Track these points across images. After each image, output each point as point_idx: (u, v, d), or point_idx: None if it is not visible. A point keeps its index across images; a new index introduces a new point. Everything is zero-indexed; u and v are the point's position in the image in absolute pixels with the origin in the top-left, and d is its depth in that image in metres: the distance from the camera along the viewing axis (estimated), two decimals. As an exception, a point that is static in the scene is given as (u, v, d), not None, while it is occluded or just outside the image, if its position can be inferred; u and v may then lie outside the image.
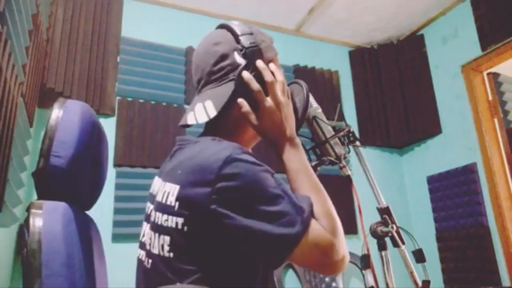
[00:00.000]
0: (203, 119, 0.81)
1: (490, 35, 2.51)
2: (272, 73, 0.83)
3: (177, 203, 0.73)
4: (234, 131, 0.87)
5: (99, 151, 0.89)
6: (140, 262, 0.83)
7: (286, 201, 0.71)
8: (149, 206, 0.85)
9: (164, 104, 2.45)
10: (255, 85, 0.81)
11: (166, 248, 0.74)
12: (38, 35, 1.64)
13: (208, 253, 0.73)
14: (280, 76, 0.84)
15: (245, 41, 0.83)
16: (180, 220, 0.72)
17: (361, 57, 3.20)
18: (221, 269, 0.74)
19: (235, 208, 0.69)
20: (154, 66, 2.48)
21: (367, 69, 3.16)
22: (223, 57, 0.84)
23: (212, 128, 0.88)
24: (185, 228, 0.72)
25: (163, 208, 0.76)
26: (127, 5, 2.51)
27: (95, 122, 0.86)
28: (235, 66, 0.83)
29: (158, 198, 0.78)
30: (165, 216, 0.75)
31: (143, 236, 0.84)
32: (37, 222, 0.69)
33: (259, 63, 0.82)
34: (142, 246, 0.84)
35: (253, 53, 0.82)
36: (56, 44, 2.09)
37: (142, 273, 0.82)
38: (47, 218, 0.71)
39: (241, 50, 0.83)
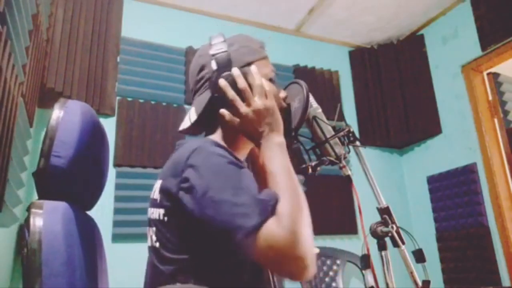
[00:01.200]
0: (186, 125, 0.92)
1: (490, 35, 2.51)
2: (247, 77, 0.85)
3: (159, 196, 0.80)
4: (227, 134, 0.91)
5: (99, 151, 0.89)
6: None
7: (244, 193, 0.69)
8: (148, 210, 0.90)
9: (164, 104, 2.45)
10: (230, 93, 0.84)
11: (154, 238, 0.81)
12: (38, 35, 1.64)
13: (188, 242, 0.76)
14: (257, 79, 0.85)
15: (214, 49, 0.88)
16: (162, 211, 0.79)
17: (361, 57, 3.20)
18: (203, 258, 0.76)
19: (193, 195, 0.71)
20: (154, 66, 2.48)
21: (367, 69, 3.16)
22: (202, 67, 0.92)
23: (208, 133, 0.94)
24: (165, 218, 0.78)
25: (152, 203, 0.84)
26: (127, 5, 2.51)
27: (96, 122, 0.86)
28: (211, 74, 0.89)
29: (151, 196, 0.86)
30: (152, 210, 0.83)
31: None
32: (37, 222, 0.70)
33: (234, 70, 0.85)
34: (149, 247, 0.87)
35: (222, 60, 0.86)
36: (56, 44, 2.09)
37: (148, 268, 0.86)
38: (48, 218, 0.71)
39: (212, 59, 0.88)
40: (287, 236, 0.65)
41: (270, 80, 0.93)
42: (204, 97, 0.90)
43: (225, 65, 0.86)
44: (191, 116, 0.91)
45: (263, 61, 0.93)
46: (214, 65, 0.87)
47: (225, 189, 0.70)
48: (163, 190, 0.79)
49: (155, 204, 0.82)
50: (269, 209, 0.67)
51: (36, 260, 0.66)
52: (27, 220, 0.71)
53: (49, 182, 0.77)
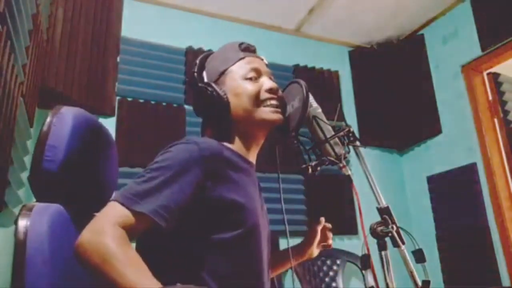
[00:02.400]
0: None
1: (490, 35, 2.52)
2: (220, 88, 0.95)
3: None
4: (226, 136, 0.97)
5: (97, 155, 0.90)
6: None
7: (150, 184, 0.76)
8: None
9: (164, 104, 2.45)
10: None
11: None
12: (38, 35, 1.64)
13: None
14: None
15: (195, 66, 1.02)
16: None
17: (361, 57, 3.20)
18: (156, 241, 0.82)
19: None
20: (154, 66, 2.48)
21: (367, 69, 3.16)
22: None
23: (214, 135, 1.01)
24: None
25: None
26: (127, 5, 2.50)
27: (91, 127, 0.87)
28: None
29: None
30: None
31: None
32: (24, 223, 0.72)
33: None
34: None
35: (192, 79, 1.00)
36: (56, 44, 2.09)
37: None
38: (35, 219, 0.73)
39: None
40: (94, 238, 0.67)
41: (250, 78, 0.96)
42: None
43: (194, 84, 0.98)
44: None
45: (238, 63, 0.97)
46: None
47: (150, 173, 0.78)
48: None
49: None
50: (126, 203, 0.72)
51: (21, 260, 0.68)
52: (15, 222, 0.73)
53: (42, 186, 0.80)
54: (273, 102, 0.95)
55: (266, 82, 0.96)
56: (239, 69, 0.96)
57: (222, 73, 0.97)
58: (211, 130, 0.99)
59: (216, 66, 0.98)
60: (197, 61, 1.01)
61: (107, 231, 0.68)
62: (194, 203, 0.79)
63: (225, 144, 0.94)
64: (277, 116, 0.95)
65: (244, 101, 0.94)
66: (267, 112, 0.94)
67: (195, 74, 0.99)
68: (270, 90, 0.95)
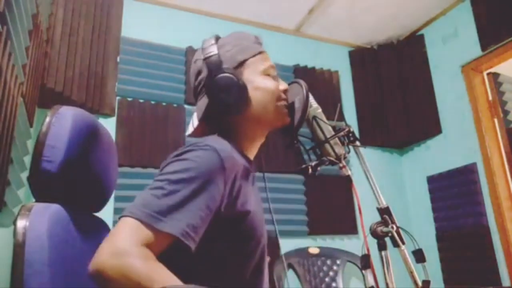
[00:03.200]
0: (190, 130, 0.94)
1: (490, 35, 2.52)
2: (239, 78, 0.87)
3: None
4: (227, 133, 0.89)
5: (97, 154, 0.90)
6: None
7: (170, 199, 0.67)
8: None
9: (164, 104, 2.45)
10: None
11: None
12: (38, 35, 1.64)
13: None
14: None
15: (204, 53, 0.89)
16: None
17: (361, 57, 3.20)
18: (206, 255, 0.76)
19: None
20: (154, 66, 2.48)
21: (367, 69, 3.16)
22: (199, 72, 0.92)
23: (211, 133, 0.92)
24: None
25: None
26: (127, 5, 2.51)
27: (90, 127, 0.87)
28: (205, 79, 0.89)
29: None
30: None
31: None
32: (23, 223, 0.71)
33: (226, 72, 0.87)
34: None
35: (212, 63, 0.87)
36: (56, 44, 2.09)
37: None
38: (33, 219, 0.72)
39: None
40: (119, 261, 0.59)
41: (269, 75, 0.92)
42: (203, 102, 0.90)
43: (215, 68, 0.86)
44: (194, 122, 0.93)
45: (258, 57, 0.92)
46: (205, 70, 0.88)
47: (170, 185, 0.69)
48: None
49: None
50: (149, 221, 0.64)
51: (19, 260, 0.68)
52: (14, 222, 0.73)
53: (42, 186, 0.79)
54: (285, 103, 0.94)
55: (282, 83, 0.95)
56: (260, 64, 0.92)
57: (242, 63, 0.90)
58: (216, 124, 0.91)
59: (233, 54, 0.90)
60: (210, 43, 0.91)
61: (132, 252, 0.60)
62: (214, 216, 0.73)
63: (231, 143, 0.86)
64: (288, 119, 0.94)
65: (264, 97, 0.90)
66: (282, 113, 0.93)
67: (215, 56, 0.87)
68: (284, 92, 0.95)
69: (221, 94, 0.86)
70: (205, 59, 0.88)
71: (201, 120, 0.90)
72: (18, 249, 0.69)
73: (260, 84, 0.90)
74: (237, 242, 0.79)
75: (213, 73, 0.86)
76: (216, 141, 0.80)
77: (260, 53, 0.94)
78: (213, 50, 0.88)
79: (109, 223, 2.19)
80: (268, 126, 0.94)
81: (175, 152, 0.78)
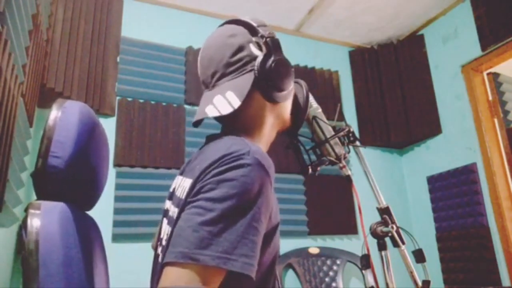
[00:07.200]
0: (227, 110, 0.77)
1: (490, 35, 2.51)
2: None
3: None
4: (251, 127, 0.84)
5: (98, 151, 0.89)
6: (155, 257, 0.84)
7: (228, 228, 0.61)
8: (167, 203, 0.86)
9: (164, 104, 2.45)
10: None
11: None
12: (38, 35, 1.64)
13: None
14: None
15: (263, 31, 0.83)
16: None
17: (361, 57, 3.20)
18: None
19: (203, 202, 0.65)
20: (154, 66, 2.48)
21: (367, 69, 3.16)
22: (240, 48, 0.82)
23: (230, 125, 0.86)
24: None
25: (177, 202, 0.75)
26: (127, 5, 2.51)
27: (94, 123, 0.86)
28: (252, 57, 0.82)
29: (177, 193, 0.78)
30: (176, 209, 0.73)
31: (160, 232, 0.85)
32: (34, 223, 0.69)
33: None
34: (160, 242, 0.84)
35: (272, 43, 0.81)
36: (56, 44, 2.09)
37: (155, 267, 0.83)
38: (45, 218, 0.70)
39: (257, 42, 0.83)
40: None
41: None
42: (245, 80, 0.80)
43: (280, 51, 0.82)
44: (231, 101, 0.77)
45: None
46: (257, 50, 0.82)
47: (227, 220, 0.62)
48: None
49: (179, 204, 0.73)
50: (218, 263, 0.59)
51: (33, 261, 0.66)
52: (24, 221, 0.71)
53: (48, 183, 0.76)
54: None
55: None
56: None
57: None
58: (237, 117, 0.82)
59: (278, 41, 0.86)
60: (263, 23, 0.86)
61: None
62: None
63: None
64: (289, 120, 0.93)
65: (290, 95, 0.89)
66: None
67: (277, 39, 0.82)
68: None
69: (278, 77, 0.80)
70: (267, 37, 0.81)
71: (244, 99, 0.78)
72: (32, 249, 0.66)
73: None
74: (269, 257, 0.74)
75: (277, 55, 0.81)
76: (259, 152, 0.70)
77: None
78: (273, 33, 0.83)
79: (109, 223, 2.20)
80: (282, 125, 0.91)
81: (209, 161, 0.68)
